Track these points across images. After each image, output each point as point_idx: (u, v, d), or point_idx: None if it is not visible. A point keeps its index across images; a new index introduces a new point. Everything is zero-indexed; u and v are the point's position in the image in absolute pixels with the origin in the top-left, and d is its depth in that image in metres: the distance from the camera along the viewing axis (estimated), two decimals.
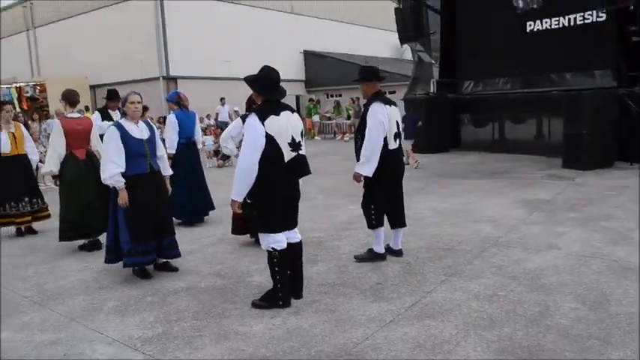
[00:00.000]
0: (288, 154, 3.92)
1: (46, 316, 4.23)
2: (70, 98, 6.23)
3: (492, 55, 14.42)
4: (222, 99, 20.62)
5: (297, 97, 26.94)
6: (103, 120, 7.55)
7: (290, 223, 4.14)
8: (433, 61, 17.13)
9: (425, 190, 8.88)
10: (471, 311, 3.86)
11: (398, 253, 5.20)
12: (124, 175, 4.71)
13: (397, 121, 5.01)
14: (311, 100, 25.05)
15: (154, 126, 5.18)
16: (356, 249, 5.51)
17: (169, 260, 5.17)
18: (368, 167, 4.80)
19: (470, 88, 15.37)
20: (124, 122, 4.84)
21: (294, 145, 3.96)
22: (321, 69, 26.88)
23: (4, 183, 6.89)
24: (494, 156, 12.91)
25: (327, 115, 23.54)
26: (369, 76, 5.06)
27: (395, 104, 5.13)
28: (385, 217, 5.11)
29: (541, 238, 5.65)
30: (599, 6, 11.95)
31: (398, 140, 5.01)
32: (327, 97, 26.60)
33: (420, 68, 17.25)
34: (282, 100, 4.15)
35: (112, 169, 4.66)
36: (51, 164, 6.12)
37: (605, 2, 11.51)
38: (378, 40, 31.52)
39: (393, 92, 23.72)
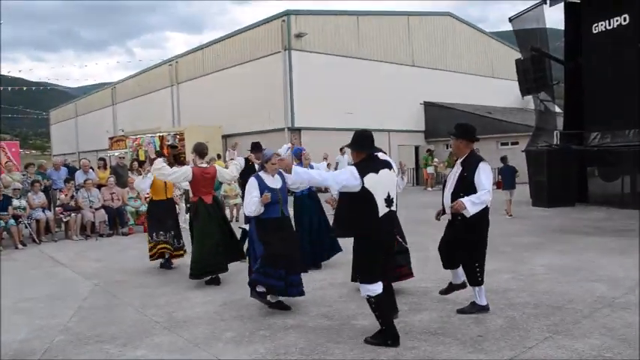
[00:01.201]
0: (382, 210, 4.29)
1: (174, 340, 4.82)
2: (200, 151, 7.09)
3: (621, 105, 13.76)
4: (341, 149, 21.43)
5: (416, 148, 27.17)
6: (245, 168, 7.90)
7: (386, 272, 4.53)
8: (558, 111, 16.66)
9: (542, 245, 8.65)
10: None
11: (486, 309, 5.21)
12: (260, 217, 5.45)
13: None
14: (428, 150, 25.15)
15: (285, 177, 5.77)
16: (461, 301, 5.59)
17: (282, 300, 5.63)
18: (474, 208, 4.90)
19: (597, 139, 14.67)
20: (262, 174, 5.60)
21: (389, 202, 4.33)
22: (441, 119, 27.00)
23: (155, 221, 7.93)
24: (622, 212, 12.14)
25: (437, 164, 23.42)
26: (464, 135, 5.19)
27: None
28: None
29: None
30: None
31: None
32: (447, 148, 26.51)
33: (544, 119, 16.82)
34: (383, 158, 4.55)
35: (253, 202, 5.38)
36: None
37: None
38: (501, 90, 31.06)
39: (516, 143, 23.18)
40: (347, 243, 5.99)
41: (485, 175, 4.94)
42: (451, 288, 5.54)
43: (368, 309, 4.81)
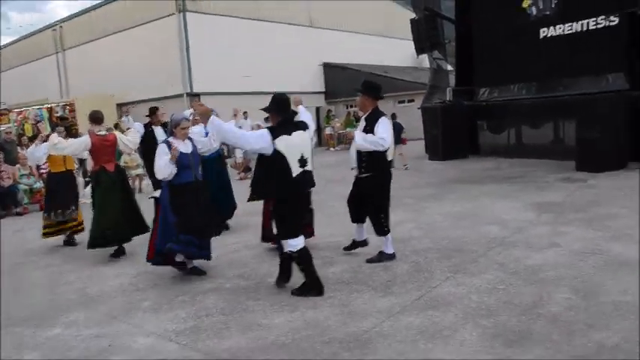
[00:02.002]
0: (296, 170, 4.47)
1: (90, 315, 4.74)
2: (95, 117, 6.86)
3: (507, 62, 14.71)
4: (244, 113, 21.28)
5: (317, 109, 27.46)
6: (144, 135, 7.78)
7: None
8: (450, 69, 17.51)
9: (439, 195, 9.25)
10: (471, 302, 4.25)
11: (392, 257, 5.60)
12: (173, 183, 5.34)
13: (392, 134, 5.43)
14: (328, 111, 25.59)
15: (195, 140, 5.73)
16: (369, 252, 5.91)
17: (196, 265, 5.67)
18: (362, 142, 5.20)
19: (486, 95, 15.65)
20: (172, 140, 5.45)
21: (302, 162, 4.52)
22: (341, 80, 27.39)
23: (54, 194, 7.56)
24: (510, 161, 13.17)
25: (337, 125, 23.96)
26: (370, 92, 5.45)
27: (392, 118, 5.59)
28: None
29: (545, 238, 5.98)
30: (610, 11, 12.18)
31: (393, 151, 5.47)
32: (347, 108, 27.05)
33: (437, 76, 17.62)
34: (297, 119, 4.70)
35: (164, 163, 5.25)
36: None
37: (616, 7, 11.73)
38: (398, 50, 31.93)
39: (412, 101, 24.12)
40: (252, 205, 6.12)
41: (382, 127, 5.24)
42: (354, 245, 5.87)
43: None
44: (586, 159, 10.75)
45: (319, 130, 26.81)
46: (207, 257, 5.59)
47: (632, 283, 4.40)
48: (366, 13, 32.10)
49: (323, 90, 29.53)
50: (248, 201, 6.02)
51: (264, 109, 4.70)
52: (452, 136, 14.63)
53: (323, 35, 29.08)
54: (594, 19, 12.94)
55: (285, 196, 4.55)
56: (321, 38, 28.85)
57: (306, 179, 4.65)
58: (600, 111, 10.80)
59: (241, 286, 5.19)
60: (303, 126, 4.69)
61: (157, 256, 5.51)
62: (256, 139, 4.45)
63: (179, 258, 5.48)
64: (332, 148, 23.44)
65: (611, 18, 12.35)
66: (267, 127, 4.59)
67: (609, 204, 7.57)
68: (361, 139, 5.23)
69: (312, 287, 4.67)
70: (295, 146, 4.49)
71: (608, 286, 4.40)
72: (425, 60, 21.24)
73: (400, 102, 25.69)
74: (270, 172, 4.58)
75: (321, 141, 26.48)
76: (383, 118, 5.31)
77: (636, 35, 12.04)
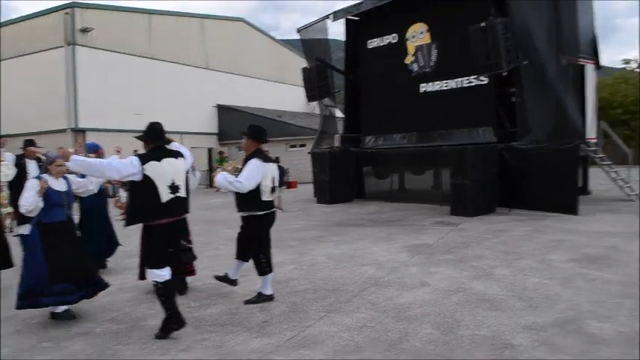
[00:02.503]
0: (166, 196, 4.52)
1: None
2: None
3: (391, 112, 15.70)
4: (135, 151, 20.64)
5: (209, 150, 27.30)
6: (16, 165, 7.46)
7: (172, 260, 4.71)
8: (340, 116, 18.28)
9: (323, 238, 9.49)
10: (341, 340, 4.39)
11: (270, 298, 5.67)
12: (43, 221, 5.08)
13: (273, 177, 5.58)
14: (220, 152, 25.60)
15: (71, 180, 5.50)
16: (249, 293, 5.92)
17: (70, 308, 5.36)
18: (223, 183, 5.28)
19: (371, 142, 16.49)
20: (46, 177, 5.18)
21: (174, 188, 4.57)
22: (234, 122, 27.55)
23: None
24: (393, 205, 13.84)
25: (229, 168, 23.88)
26: (254, 135, 5.61)
27: (273, 161, 5.73)
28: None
29: (416, 278, 6.34)
30: (480, 72, 13.42)
31: (273, 194, 5.57)
32: (239, 150, 27.13)
33: (327, 123, 18.30)
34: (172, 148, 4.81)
35: (30, 195, 4.99)
36: None
37: (486, 68, 12.95)
38: (292, 95, 32.78)
39: (304, 145, 24.72)
40: (135, 247, 5.95)
41: (248, 168, 5.35)
42: (225, 278, 5.83)
43: (157, 309, 4.87)
44: (459, 204, 11.60)
45: (210, 171, 26.59)
46: (87, 296, 5.33)
47: (487, 318, 4.78)
48: (261, 59, 32.79)
49: (216, 131, 29.47)
50: (125, 226, 5.88)
51: (138, 137, 4.76)
52: (339, 180, 15.15)
53: (218, 77, 29.25)
54: (467, 78, 14.22)
55: (153, 221, 4.55)
56: (216, 80, 28.97)
57: (178, 205, 4.67)
58: (471, 160, 11.73)
59: (112, 330, 4.97)
60: (175, 154, 4.77)
61: (22, 299, 5.14)
62: (125, 165, 4.48)
63: (55, 309, 5.20)
64: (221, 190, 23.24)
65: (482, 78, 13.62)
66: (136, 155, 4.58)
67: (477, 246, 8.18)
68: (221, 179, 5.36)
69: (172, 321, 4.59)
70: (165, 172, 4.54)
71: (467, 321, 4.74)
72: (317, 107, 22.03)
73: (292, 146, 26.22)
74: (141, 197, 4.58)
75: (211, 182, 26.18)
76: (253, 160, 5.41)
77: (503, 94, 13.35)
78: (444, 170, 13.82)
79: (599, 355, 3.94)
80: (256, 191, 5.37)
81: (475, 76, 13.88)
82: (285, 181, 13.61)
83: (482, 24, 12.38)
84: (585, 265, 6.72)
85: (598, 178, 16.29)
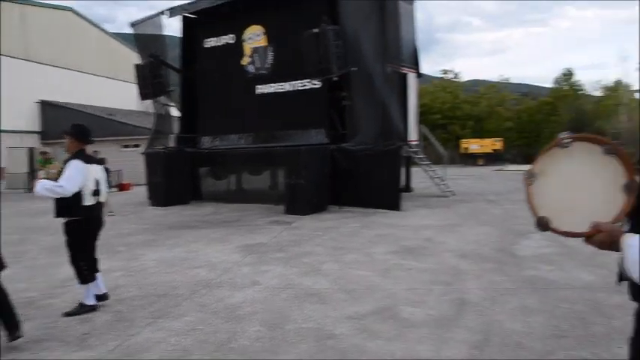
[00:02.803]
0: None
1: None
2: None
3: (228, 113, 15.65)
4: None
5: (31, 150, 24.86)
6: None
7: None
8: (176, 115, 17.76)
9: (155, 242, 9.15)
10: (168, 346, 4.28)
11: (105, 297, 5.40)
12: None
13: (97, 179, 5.27)
14: (42, 153, 23.41)
15: None
16: (70, 305, 5.51)
17: None
18: (42, 191, 4.89)
19: (208, 143, 16.29)
20: None
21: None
22: (60, 120, 25.36)
23: None
24: (230, 206, 13.80)
25: (53, 170, 22.08)
26: (77, 135, 5.25)
27: (97, 162, 5.42)
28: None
29: (247, 277, 6.40)
30: (313, 76, 13.94)
31: (96, 197, 5.25)
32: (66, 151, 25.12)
33: (162, 122, 17.67)
34: None
35: None
36: None
37: (318, 73, 13.49)
38: (125, 92, 31.10)
39: (138, 145, 23.62)
40: None
41: (69, 170, 5.00)
42: (81, 308, 5.33)
43: None
44: (293, 203, 11.94)
45: (32, 173, 24.23)
46: None
47: (314, 311, 4.99)
48: (92, 53, 30.67)
49: (38, 130, 26.91)
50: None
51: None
52: (174, 182, 14.71)
53: (42, 70, 26.73)
54: (302, 81, 14.68)
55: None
56: (39, 73, 26.45)
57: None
58: (305, 161, 12.14)
59: None
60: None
61: None
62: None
63: None
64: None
65: (315, 82, 14.16)
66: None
67: (308, 243, 8.50)
68: (40, 189, 4.88)
69: None
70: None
71: (295, 315, 4.91)
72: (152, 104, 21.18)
73: (125, 146, 24.92)
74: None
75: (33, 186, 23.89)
76: (74, 161, 5.05)
77: (335, 97, 14.01)
78: (280, 170, 14.12)
79: (409, 337, 4.33)
80: (77, 195, 5.02)
81: (309, 80, 14.40)
82: (112, 183, 12.84)
83: (315, 30, 12.90)
84: (403, 257, 7.33)
85: (419, 177, 17.83)
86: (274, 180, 15.23)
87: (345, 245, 8.28)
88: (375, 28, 14.63)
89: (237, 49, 15.96)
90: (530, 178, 1.86)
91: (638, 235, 1.66)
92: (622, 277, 1.74)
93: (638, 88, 33.71)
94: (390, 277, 6.23)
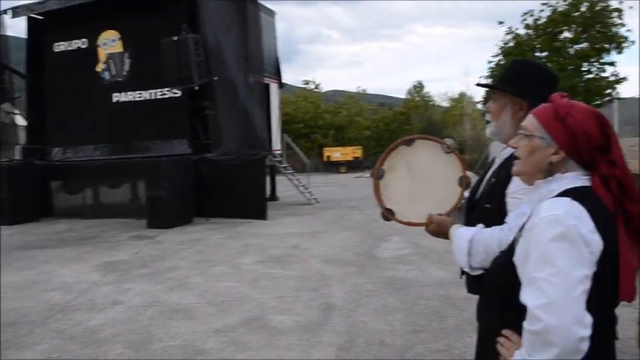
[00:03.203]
0: None
1: None
2: None
3: (82, 122, 14.68)
4: None
5: None
6: None
7: None
8: (22, 124, 16.31)
9: None
10: None
11: None
12: None
13: None
14: None
15: None
16: None
17: None
18: None
19: (60, 154, 15.16)
20: None
21: None
22: None
23: None
24: (86, 222, 12.93)
25: None
26: None
27: None
28: None
29: (109, 297, 6.06)
30: (173, 84, 13.56)
31: None
32: None
33: (7, 132, 16.12)
34: None
35: None
36: None
37: (178, 81, 13.14)
38: None
39: None
40: None
41: None
42: None
43: None
44: (155, 216, 11.50)
45: None
46: None
47: (181, 328, 4.87)
48: None
49: None
50: None
51: None
52: (21, 198, 13.44)
53: None
54: (161, 89, 14.24)
55: None
56: None
57: None
58: (167, 172, 11.75)
59: None
60: None
61: None
62: None
63: None
64: None
65: (175, 90, 13.81)
66: None
67: (172, 257, 8.25)
68: None
69: None
70: None
71: (161, 334, 4.75)
72: None
73: None
74: None
75: None
76: None
77: (197, 107, 13.78)
78: (140, 182, 13.53)
79: (279, 345, 4.39)
80: None
81: (169, 89, 14.00)
82: None
83: (175, 38, 12.59)
84: (271, 265, 7.41)
85: (283, 185, 18.10)
86: (135, 193, 14.53)
87: (211, 257, 8.16)
88: (236, 39, 14.67)
89: (90, 54, 15.05)
90: (377, 173, 2.02)
91: (464, 227, 1.87)
92: (463, 271, 1.93)
93: (479, 100, 37.30)
94: (257, 287, 6.27)
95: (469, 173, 2.02)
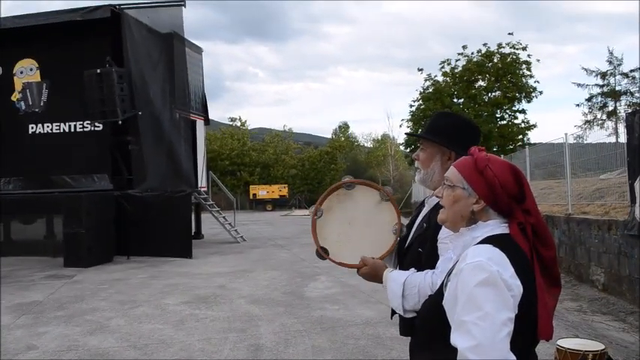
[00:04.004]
0: None
1: None
2: None
3: None
4: None
5: None
6: None
7: None
8: None
9: None
10: None
11: None
12: None
13: None
14: None
15: None
16: None
17: None
18: None
19: None
20: None
21: None
22: None
23: None
24: None
25: None
26: None
27: None
28: None
29: (22, 342, 5.67)
30: (95, 118, 13.17)
31: None
32: None
33: None
34: None
35: None
36: None
37: (101, 115, 12.78)
38: None
39: None
40: None
41: None
42: None
43: None
44: (73, 254, 10.96)
45: None
46: None
47: None
48: None
49: None
50: None
51: None
52: None
53: None
54: (82, 122, 13.79)
55: None
56: None
57: None
58: (86, 208, 11.27)
59: None
60: None
61: None
62: None
63: None
64: None
65: (97, 124, 13.42)
66: None
67: (92, 298, 7.86)
68: None
69: None
70: None
71: None
72: None
73: None
74: None
75: None
76: None
77: (119, 141, 13.43)
78: (57, 219, 12.89)
79: None
80: None
81: (90, 122, 13.59)
82: None
83: (98, 70, 12.31)
84: (197, 306, 7.23)
85: (209, 223, 17.82)
86: (50, 229, 13.80)
87: (133, 298, 7.86)
88: (162, 74, 14.51)
89: (5, 82, 14.35)
90: (316, 212, 2.09)
91: (397, 270, 1.98)
92: (393, 312, 2.02)
93: (401, 141, 38.77)
94: (183, 329, 6.09)
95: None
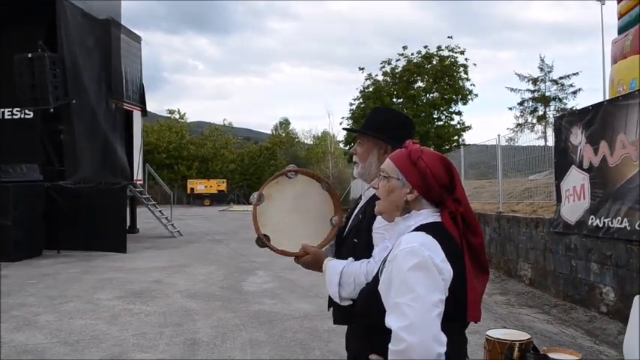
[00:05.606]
0: None
1: None
2: None
3: None
4: None
5: None
6: None
7: None
8: None
9: None
10: None
11: None
12: None
13: None
14: None
15: None
16: None
17: None
18: None
19: None
20: None
21: None
22: None
23: None
24: None
25: None
26: None
27: None
28: None
29: None
30: (26, 104, 12.59)
31: None
32: None
33: None
34: None
35: None
36: None
37: (32, 102, 12.22)
38: None
39: None
40: None
41: None
42: None
43: None
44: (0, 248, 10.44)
45: None
46: None
47: None
48: None
49: None
50: None
51: None
52: None
53: None
54: (10, 109, 13.15)
55: None
56: None
57: None
58: (13, 200, 10.75)
59: None
60: None
61: None
62: None
63: None
64: None
65: (27, 111, 12.83)
66: None
67: (19, 293, 7.52)
68: None
69: None
70: None
71: None
72: None
73: None
74: None
75: None
76: None
77: (51, 130, 12.89)
78: None
79: None
80: None
81: (20, 109, 12.98)
82: None
83: (30, 55, 11.76)
84: (131, 301, 7.06)
85: (145, 217, 17.39)
86: None
87: (64, 293, 7.58)
88: (98, 61, 14.04)
89: None
90: (257, 199, 2.08)
91: (336, 259, 2.02)
92: (330, 304, 2.06)
93: (341, 139, 39.16)
94: (117, 324, 5.94)
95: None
